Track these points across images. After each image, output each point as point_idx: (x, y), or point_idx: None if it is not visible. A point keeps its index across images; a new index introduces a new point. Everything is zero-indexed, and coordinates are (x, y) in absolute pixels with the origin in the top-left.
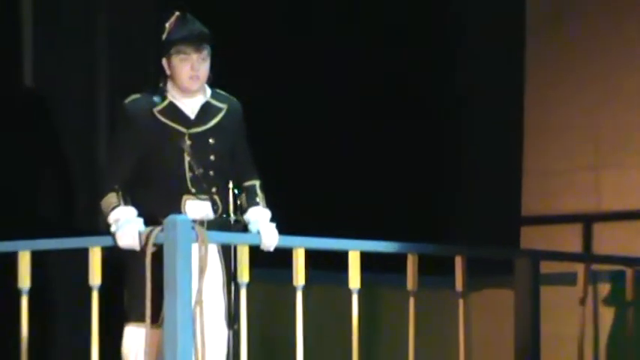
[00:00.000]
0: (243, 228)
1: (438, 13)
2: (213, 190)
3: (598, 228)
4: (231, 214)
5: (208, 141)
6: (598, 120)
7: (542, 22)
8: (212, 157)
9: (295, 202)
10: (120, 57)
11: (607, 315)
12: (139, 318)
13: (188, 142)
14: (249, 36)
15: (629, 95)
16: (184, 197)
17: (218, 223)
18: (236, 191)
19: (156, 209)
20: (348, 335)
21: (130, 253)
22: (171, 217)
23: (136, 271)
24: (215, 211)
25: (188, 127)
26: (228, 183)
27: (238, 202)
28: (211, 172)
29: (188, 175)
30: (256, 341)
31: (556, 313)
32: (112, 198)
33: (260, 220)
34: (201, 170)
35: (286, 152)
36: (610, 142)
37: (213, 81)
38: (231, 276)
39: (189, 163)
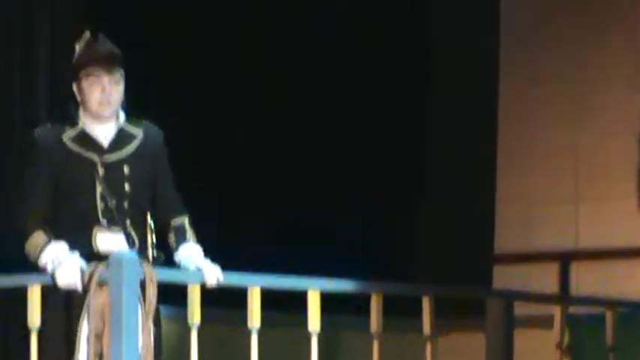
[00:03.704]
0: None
1: (408, 44)
2: (128, 222)
3: (576, 266)
4: (150, 250)
5: (123, 170)
6: (578, 147)
7: (517, 46)
8: (127, 187)
9: (247, 238)
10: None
11: None
12: None
13: (101, 171)
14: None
15: (610, 121)
16: (95, 229)
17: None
18: (152, 225)
19: (65, 242)
20: None
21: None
22: (117, 253)
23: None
24: (131, 245)
25: (101, 155)
26: (145, 216)
27: (154, 239)
28: (126, 204)
29: (100, 206)
30: None
31: (531, 359)
32: (39, 237)
33: (193, 256)
34: (114, 201)
35: (235, 184)
36: (590, 172)
37: (128, 107)
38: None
39: (102, 193)
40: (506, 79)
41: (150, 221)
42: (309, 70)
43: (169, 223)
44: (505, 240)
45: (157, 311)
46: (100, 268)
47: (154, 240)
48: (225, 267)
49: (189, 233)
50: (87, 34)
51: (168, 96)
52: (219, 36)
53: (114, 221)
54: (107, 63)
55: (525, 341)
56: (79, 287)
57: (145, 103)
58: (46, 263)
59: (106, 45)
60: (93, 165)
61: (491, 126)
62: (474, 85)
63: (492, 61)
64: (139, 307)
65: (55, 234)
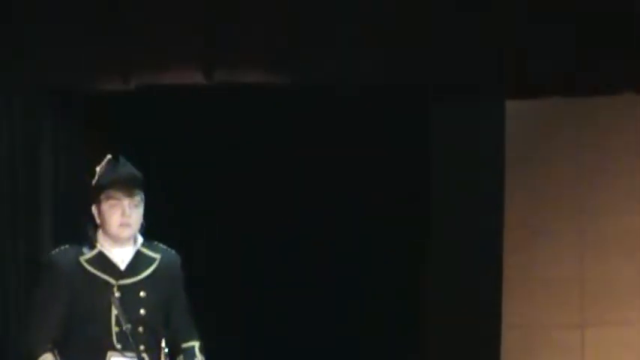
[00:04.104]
0: None
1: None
2: (142, 347)
3: None
4: None
5: (139, 294)
6: (583, 272)
7: (522, 164)
8: (142, 311)
9: None
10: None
11: None
12: None
13: (117, 294)
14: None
15: (615, 244)
16: (109, 354)
17: None
18: (166, 350)
19: None
20: None
21: None
22: None
23: None
24: None
25: (117, 278)
26: (160, 341)
27: None
28: (140, 328)
29: (114, 329)
30: None
31: None
32: (47, 359)
33: None
34: (129, 325)
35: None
36: (595, 297)
37: (147, 229)
38: None
39: (117, 316)
40: (510, 203)
41: (163, 345)
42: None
43: (180, 347)
44: None
45: None
46: None
47: None
48: None
49: (199, 359)
50: (108, 157)
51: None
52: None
53: (128, 346)
54: (128, 186)
55: None
56: None
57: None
58: None
59: (126, 168)
60: (109, 288)
61: (496, 249)
62: (478, 211)
63: (496, 188)
64: None
65: (67, 356)
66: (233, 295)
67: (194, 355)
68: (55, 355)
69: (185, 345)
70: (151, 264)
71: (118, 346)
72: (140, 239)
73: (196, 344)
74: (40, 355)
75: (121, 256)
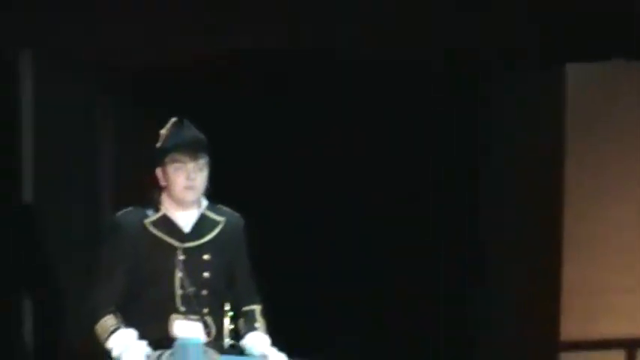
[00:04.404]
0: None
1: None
2: (205, 310)
3: None
4: (226, 339)
5: (203, 257)
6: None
7: (582, 141)
8: (206, 275)
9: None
10: None
11: None
12: None
13: (181, 257)
14: None
15: None
16: (173, 316)
17: (211, 348)
18: (231, 313)
19: (141, 328)
20: None
21: None
22: (182, 340)
23: None
24: (207, 334)
25: (182, 241)
26: (223, 304)
27: (232, 326)
28: (204, 291)
29: (178, 292)
30: None
31: None
32: (109, 320)
33: (259, 343)
34: (193, 288)
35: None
36: None
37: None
38: None
39: (181, 279)
40: (571, 173)
41: (227, 309)
42: None
43: (241, 310)
44: (571, 327)
45: None
46: (165, 356)
47: (231, 327)
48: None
49: (260, 322)
50: (173, 120)
51: None
52: None
53: (192, 309)
54: (192, 149)
55: None
56: None
57: None
58: (112, 348)
59: (191, 131)
60: (173, 250)
61: (557, 218)
62: (540, 180)
63: (557, 157)
64: None
65: (130, 319)
66: None
67: (255, 318)
68: (117, 318)
69: (246, 308)
70: (215, 227)
71: (182, 309)
72: (204, 202)
73: (257, 308)
74: (102, 317)
75: (186, 219)
